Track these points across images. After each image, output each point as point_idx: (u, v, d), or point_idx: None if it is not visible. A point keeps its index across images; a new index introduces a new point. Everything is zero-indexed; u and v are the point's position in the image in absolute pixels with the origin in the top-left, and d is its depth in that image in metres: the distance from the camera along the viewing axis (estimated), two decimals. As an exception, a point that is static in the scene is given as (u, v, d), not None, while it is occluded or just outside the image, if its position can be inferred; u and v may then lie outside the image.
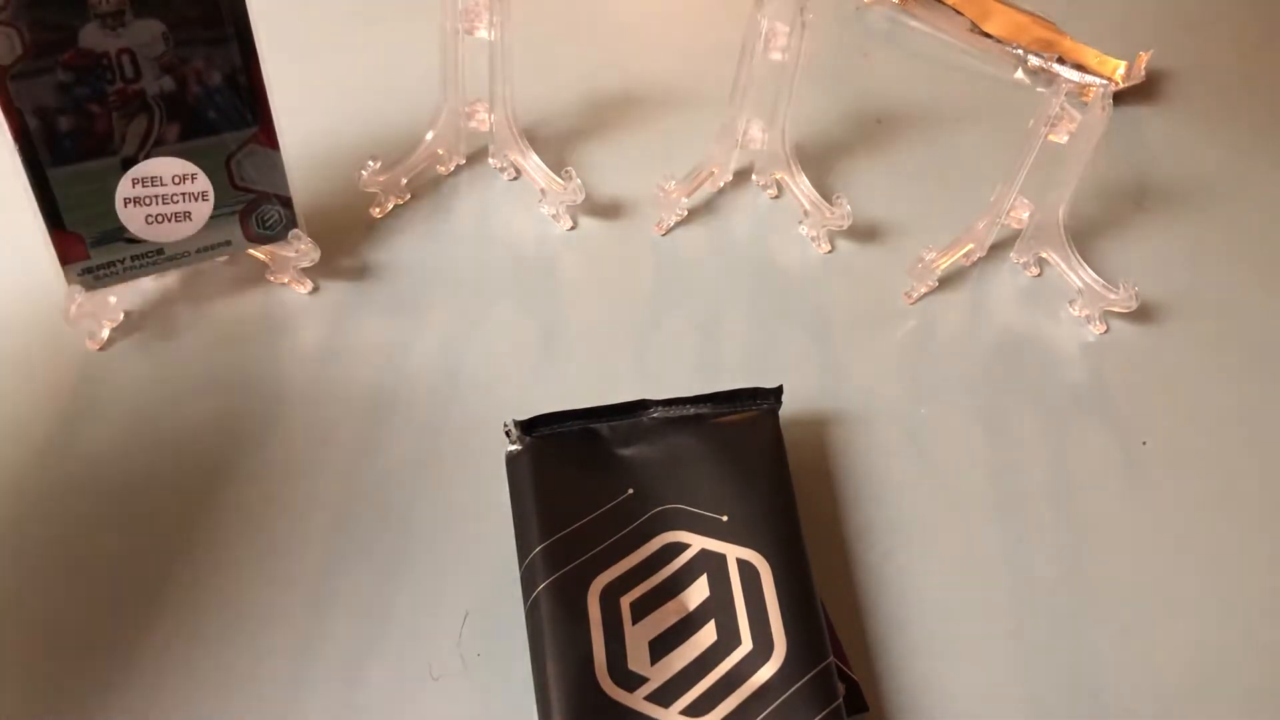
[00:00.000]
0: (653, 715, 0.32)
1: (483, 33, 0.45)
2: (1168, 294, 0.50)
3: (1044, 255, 0.49)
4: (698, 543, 0.36)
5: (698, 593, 0.35)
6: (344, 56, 0.56)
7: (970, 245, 0.49)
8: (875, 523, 0.40)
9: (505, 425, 0.38)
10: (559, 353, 0.45)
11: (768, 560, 0.35)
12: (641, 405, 0.39)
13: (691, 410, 0.39)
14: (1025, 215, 0.48)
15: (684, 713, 0.32)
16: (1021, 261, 0.50)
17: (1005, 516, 0.41)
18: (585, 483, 0.37)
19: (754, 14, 0.45)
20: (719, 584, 0.35)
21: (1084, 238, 0.51)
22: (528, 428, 0.38)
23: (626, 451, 0.38)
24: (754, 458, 0.38)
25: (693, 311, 0.47)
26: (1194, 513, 0.42)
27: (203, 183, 0.41)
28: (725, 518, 0.36)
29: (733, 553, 0.35)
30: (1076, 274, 0.48)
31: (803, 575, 0.35)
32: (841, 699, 0.33)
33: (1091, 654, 0.37)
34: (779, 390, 0.40)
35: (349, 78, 0.55)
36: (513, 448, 0.38)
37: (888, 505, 0.41)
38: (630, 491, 0.37)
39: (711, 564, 0.35)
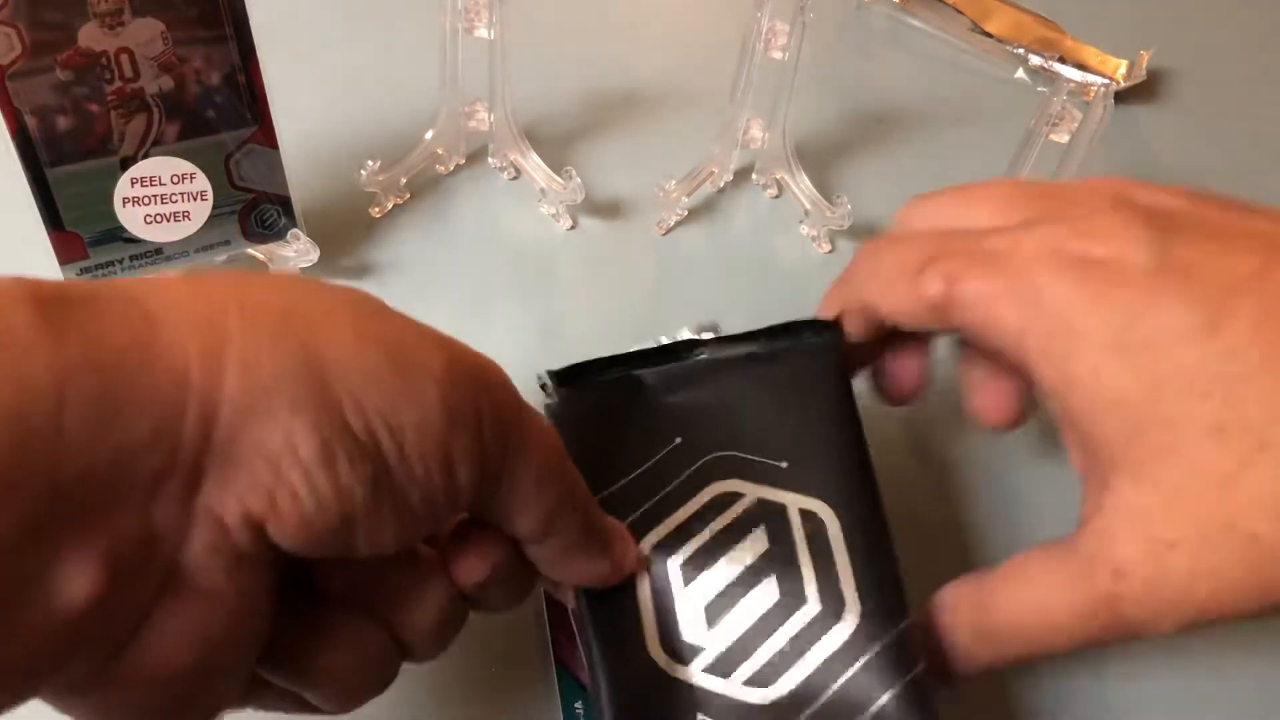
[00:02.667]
0: (711, 688, 0.29)
1: (482, 32, 0.45)
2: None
3: (1044, 255, 0.49)
4: (753, 492, 0.31)
5: (754, 546, 0.31)
6: (344, 56, 0.56)
7: (971, 245, 0.48)
8: (876, 523, 0.40)
9: (540, 378, 0.34)
10: (559, 352, 0.44)
11: (835, 510, 0.31)
12: (687, 346, 0.35)
13: (743, 349, 0.34)
14: (1026, 215, 0.48)
15: (747, 684, 0.29)
16: (1022, 261, 0.50)
17: (1005, 514, 0.41)
18: (629, 435, 0.33)
19: (754, 13, 0.45)
20: (779, 537, 0.31)
21: (1084, 237, 0.51)
22: (564, 379, 0.34)
23: (673, 398, 0.34)
24: (814, 396, 0.33)
25: (693, 311, 0.47)
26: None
27: (202, 182, 0.41)
28: (784, 464, 0.32)
29: (795, 502, 0.31)
30: (1077, 274, 0.48)
31: (877, 526, 0.31)
32: (923, 666, 0.29)
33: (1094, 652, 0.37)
34: (837, 321, 0.34)
35: (349, 77, 0.54)
36: (548, 401, 0.34)
37: (887, 504, 0.41)
38: (678, 440, 0.33)
39: (770, 515, 0.31)
